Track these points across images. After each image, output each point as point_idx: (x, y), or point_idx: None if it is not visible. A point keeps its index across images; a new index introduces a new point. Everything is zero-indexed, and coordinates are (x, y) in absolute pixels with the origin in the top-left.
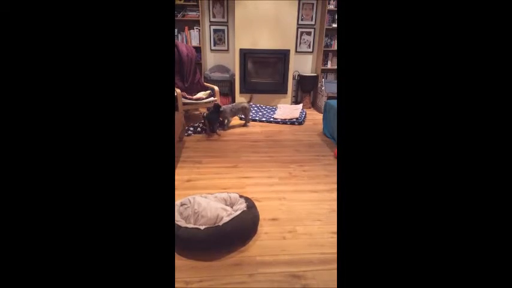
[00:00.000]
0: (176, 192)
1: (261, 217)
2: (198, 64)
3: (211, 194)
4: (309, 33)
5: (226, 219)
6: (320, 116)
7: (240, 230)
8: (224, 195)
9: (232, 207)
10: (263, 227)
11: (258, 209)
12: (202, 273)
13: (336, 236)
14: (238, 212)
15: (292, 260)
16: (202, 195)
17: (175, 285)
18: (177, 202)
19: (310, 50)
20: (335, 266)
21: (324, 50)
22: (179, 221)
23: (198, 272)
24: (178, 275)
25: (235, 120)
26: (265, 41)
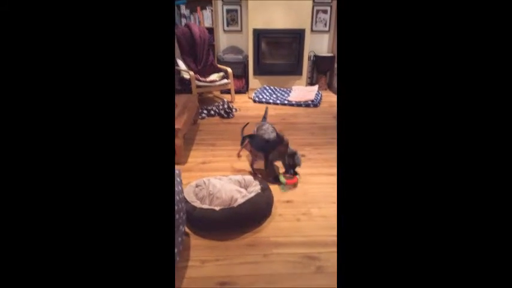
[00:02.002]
0: (191, 174)
1: (275, 199)
2: (211, 45)
3: (226, 176)
4: (325, 11)
5: (240, 200)
6: (336, 98)
7: (254, 212)
8: (238, 177)
9: (246, 189)
10: (277, 209)
11: (272, 191)
12: (217, 252)
13: None
14: (253, 194)
15: (307, 242)
16: (217, 177)
17: (191, 264)
18: (192, 183)
19: (327, 29)
20: None
21: None
22: (194, 202)
23: (213, 251)
24: (194, 254)
25: (243, 103)
26: (279, 21)
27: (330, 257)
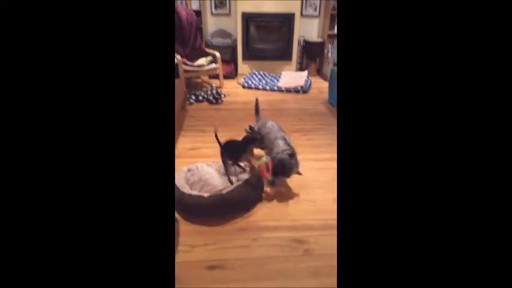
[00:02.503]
0: (180, 160)
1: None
2: (199, 29)
3: (216, 163)
4: None
5: (229, 188)
6: (326, 84)
7: (243, 199)
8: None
9: (237, 176)
10: (267, 194)
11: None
12: (206, 237)
13: None
14: (241, 182)
15: (295, 226)
16: (208, 163)
17: (181, 249)
18: (184, 168)
19: (317, 13)
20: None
21: (331, 14)
22: (184, 187)
23: (202, 236)
24: (183, 239)
25: (232, 88)
26: (268, 4)
27: (318, 240)
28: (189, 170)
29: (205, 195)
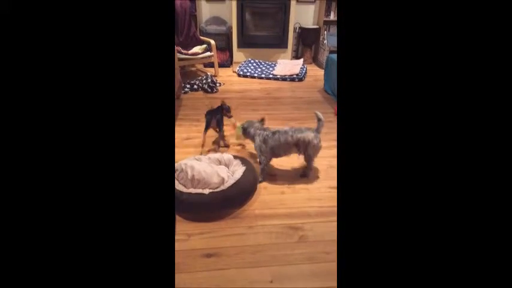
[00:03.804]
0: (176, 150)
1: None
2: (193, 16)
3: (205, 155)
4: None
5: (230, 182)
6: (321, 72)
7: (244, 192)
8: (217, 155)
9: (228, 167)
10: (262, 183)
11: (256, 166)
12: (203, 226)
13: (333, 190)
14: (241, 175)
15: (291, 213)
16: (196, 157)
17: (177, 238)
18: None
19: None
20: (332, 218)
21: (327, 0)
22: (178, 186)
23: (199, 224)
24: (179, 228)
25: (227, 77)
26: None
27: (313, 227)
28: (175, 170)
29: (206, 192)
